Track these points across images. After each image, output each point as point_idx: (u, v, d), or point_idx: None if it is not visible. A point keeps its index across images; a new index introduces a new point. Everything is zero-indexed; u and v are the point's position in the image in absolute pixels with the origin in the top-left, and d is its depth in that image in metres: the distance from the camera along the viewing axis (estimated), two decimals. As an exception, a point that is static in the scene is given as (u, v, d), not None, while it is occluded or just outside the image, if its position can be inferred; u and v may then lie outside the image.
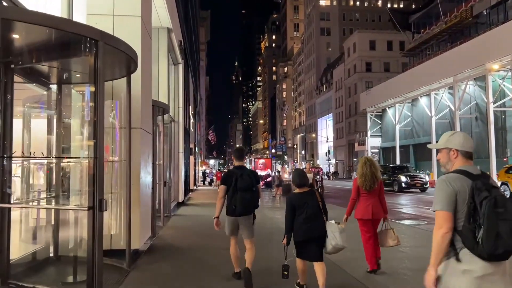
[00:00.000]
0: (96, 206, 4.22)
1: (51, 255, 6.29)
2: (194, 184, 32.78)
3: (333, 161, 72.72)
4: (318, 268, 4.65)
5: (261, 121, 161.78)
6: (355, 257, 6.47)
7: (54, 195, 6.15)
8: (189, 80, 22.31)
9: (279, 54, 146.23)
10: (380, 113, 53.15)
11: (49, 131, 6.28)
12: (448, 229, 2.38)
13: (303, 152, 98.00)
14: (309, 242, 4.65)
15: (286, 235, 4.73)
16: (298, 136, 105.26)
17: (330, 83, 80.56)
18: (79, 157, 5.62)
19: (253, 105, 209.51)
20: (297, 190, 4.87)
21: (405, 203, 18.87)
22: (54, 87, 6.36)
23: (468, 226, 2.33)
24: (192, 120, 26.83)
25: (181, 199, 16.64)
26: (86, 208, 4.24)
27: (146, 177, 7.40)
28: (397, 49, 63.36)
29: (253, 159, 36.96)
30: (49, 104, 6.28)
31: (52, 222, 6.24)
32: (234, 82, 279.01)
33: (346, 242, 4.61)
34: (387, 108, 49.81)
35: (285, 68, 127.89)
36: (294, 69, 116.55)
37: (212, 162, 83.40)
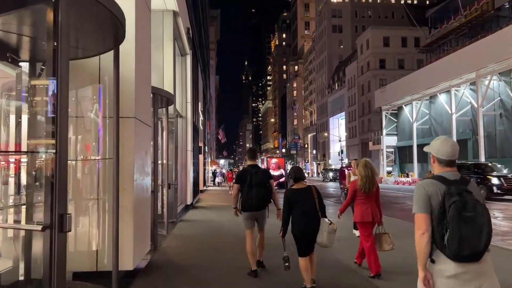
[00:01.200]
0: (55, 225, 2.85)
1: (21, 278, 4.95)
2: (204, 184, 31.53)
3: (345, 161, 70.95)
4: (309, 258, 4.89)
5: (272, 120, 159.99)
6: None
7: (23, 203, 4.81)
8: (198, 74, 20.94)
9: (289, 52, 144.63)
10: (396, 111, 51.41)
11: (18, 123, 4.93)
12: (425, 230, 2.43)
13: (314, 151, 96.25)
14: (305, 236, 4.82)
15: (282, 228, 4.93)
16: (309, 135, 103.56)
17: (342, 81, 78.77)
18: (27, 152, 4.20)
19: (263, 104, 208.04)
20: (294, 186, 5.05)
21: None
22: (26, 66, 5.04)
23: (437, 229, 2.38)
24: (201, 118, 25.47)
25: (189, 201, 15.30)
26: (40, 228, 2.86)
27: (143, 179, 6.01)
28: (411, 45, 61.66)
29: (265, 159, 35.47)
30: (17, 89, 4.93)
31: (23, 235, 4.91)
32: (244, 81, 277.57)
33: (332, 243, 4.80)
34: (403, 106, 48.07)
35: (296, 67, 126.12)
36: (305, 68, 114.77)
37: (222, 161, 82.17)
